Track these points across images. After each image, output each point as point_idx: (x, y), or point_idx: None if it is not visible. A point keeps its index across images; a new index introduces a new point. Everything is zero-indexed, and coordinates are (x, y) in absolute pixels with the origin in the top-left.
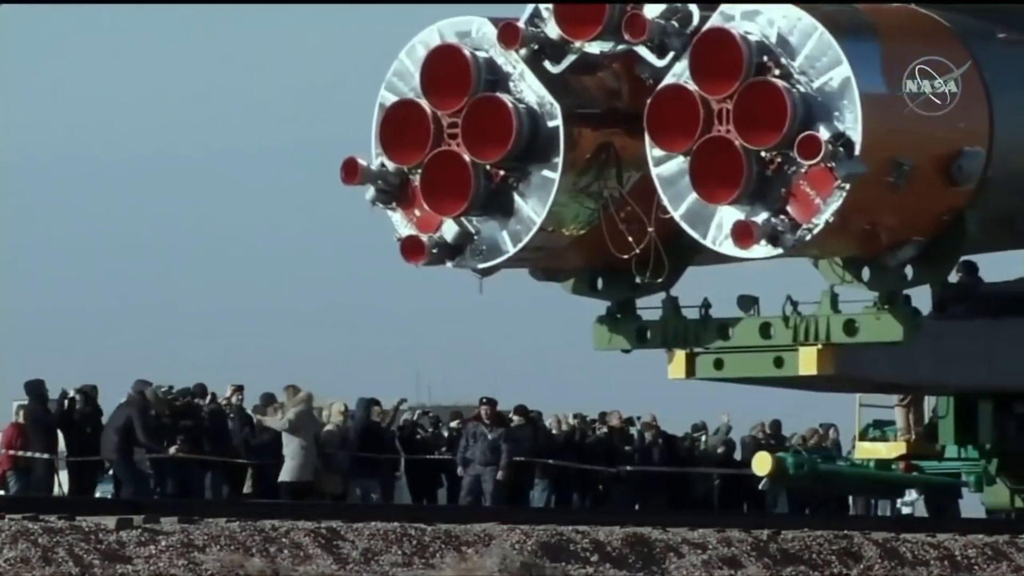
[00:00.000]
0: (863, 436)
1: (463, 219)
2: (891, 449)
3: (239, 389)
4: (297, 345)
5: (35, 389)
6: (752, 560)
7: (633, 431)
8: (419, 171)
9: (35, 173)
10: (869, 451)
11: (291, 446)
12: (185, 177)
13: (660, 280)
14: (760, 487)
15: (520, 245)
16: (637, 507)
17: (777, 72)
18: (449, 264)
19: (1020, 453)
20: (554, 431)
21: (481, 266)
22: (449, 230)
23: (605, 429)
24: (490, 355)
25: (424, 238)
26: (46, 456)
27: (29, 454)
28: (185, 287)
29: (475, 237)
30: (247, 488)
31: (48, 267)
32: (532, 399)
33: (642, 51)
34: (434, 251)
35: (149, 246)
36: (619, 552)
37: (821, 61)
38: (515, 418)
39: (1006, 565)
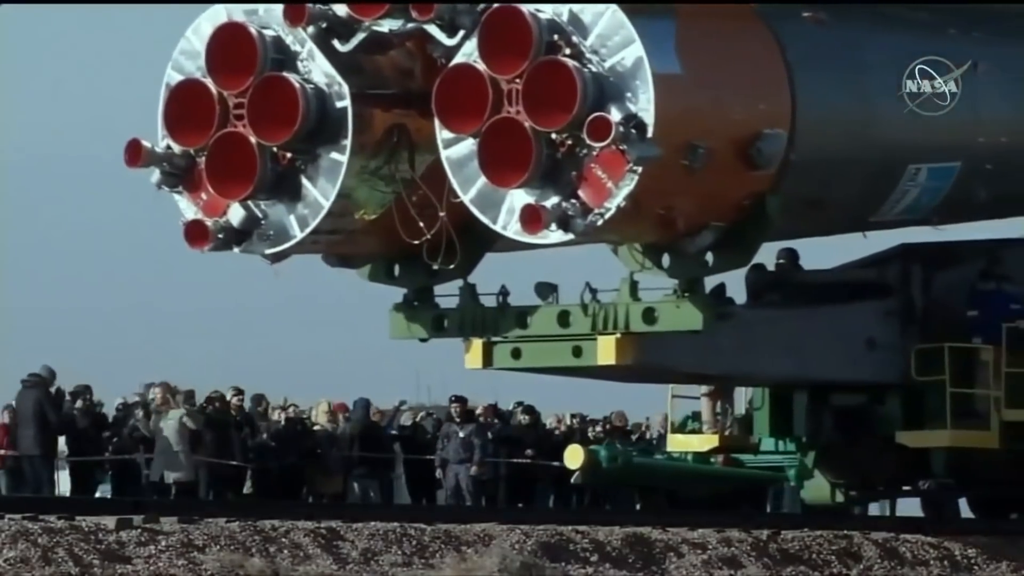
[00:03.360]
0: (680, 428)
1: (249, 203)
2: (703, 442)
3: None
4: (297, 345)
5: None
6: (752, 560)
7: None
8: (205, 153)
9: (35, 173)
10: (682, 444)
11: (180, 445)
12: None
13: (454, 266)
14: (572, 481)
15: (308, 230)
16: (638, 507)
17: (568, 51)
18: (236, 249)
19: (837, 446)
20: (555, 432)
21: (269, 251)
22: (235, 214)
23: (601, 429)
24: None
25: (209, 223)
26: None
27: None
28: (185, 287)
29: (262, 221)
30: (247, 488)
31: (48, 267)
32: (533, 399)
33: (432, 30)
34: (220, 236)
35: (149, 246)
36: (619, 552)
37: (613, 40)
38: (523, 418)
39: (1006, 565)
